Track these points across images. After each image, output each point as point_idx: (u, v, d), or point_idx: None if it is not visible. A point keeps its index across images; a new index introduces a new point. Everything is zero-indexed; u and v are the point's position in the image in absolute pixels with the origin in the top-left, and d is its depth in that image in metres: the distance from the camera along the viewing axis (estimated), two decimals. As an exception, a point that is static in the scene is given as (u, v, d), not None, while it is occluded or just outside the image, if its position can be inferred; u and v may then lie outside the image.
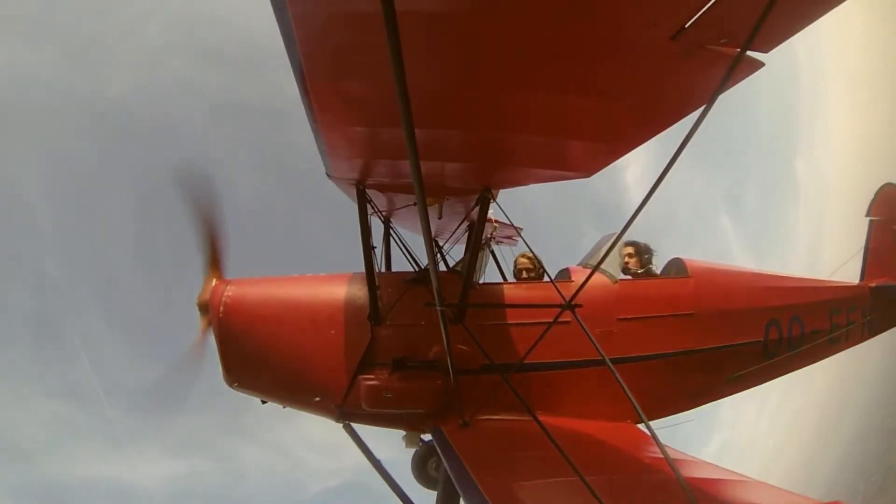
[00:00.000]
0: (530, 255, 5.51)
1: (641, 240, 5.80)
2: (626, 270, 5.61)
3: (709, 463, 4.03)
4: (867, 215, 7.31)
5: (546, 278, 5.13)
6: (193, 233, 4.67)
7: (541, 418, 3.46)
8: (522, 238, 5.67)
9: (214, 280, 4.81)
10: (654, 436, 3.28)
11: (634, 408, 3.27)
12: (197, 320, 4.80)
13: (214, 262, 4.78)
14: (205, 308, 4.74)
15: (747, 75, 2.34)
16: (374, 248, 5.25)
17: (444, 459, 3.81)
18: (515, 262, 5.72)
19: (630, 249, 5.63)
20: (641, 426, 4.48)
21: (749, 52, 2.07)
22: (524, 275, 5.57)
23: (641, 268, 5.61)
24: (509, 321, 4.73)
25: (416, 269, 4.97)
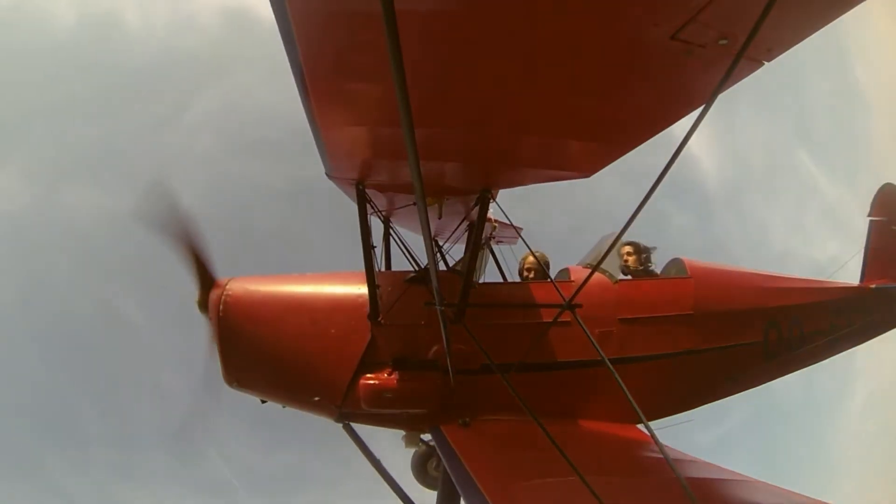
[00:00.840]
0: (538, 254, 5.52)
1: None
2: (625, 270, 5.61)
3: (709, 463, 4.03)
4: (868, 216, 7.29)
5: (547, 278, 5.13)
6: (173, 249, 4.64)
7: (541, 418, 3.46)
8: (522, 238, 5.67)
9: (214, 280, 4.81)
10: (653, 436, 3.28)
11: (634, 408, 3.27)
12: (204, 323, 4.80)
13: (201, 267, 4.76)
14: (205, 307, 4.75)
15: (747, 75, 2.34)
16: (374, 247, 5.25)
17: (443, 459, 3.81)
18: (524, 260, 5.71)
19: (629, 248, 5.63)
20: (641, 426, 4.48)
21: (752, 60, 2.08)
22: (530, 275, 5.57)
23: (640, 266, 5.61)
24: (509, 321, 4.73)
25: (416, 269, 4.96)
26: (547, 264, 5.47)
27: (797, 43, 2.16)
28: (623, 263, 5.60)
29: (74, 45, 22.39)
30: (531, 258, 5.56)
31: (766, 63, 2.28)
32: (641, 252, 5.63)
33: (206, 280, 4.77)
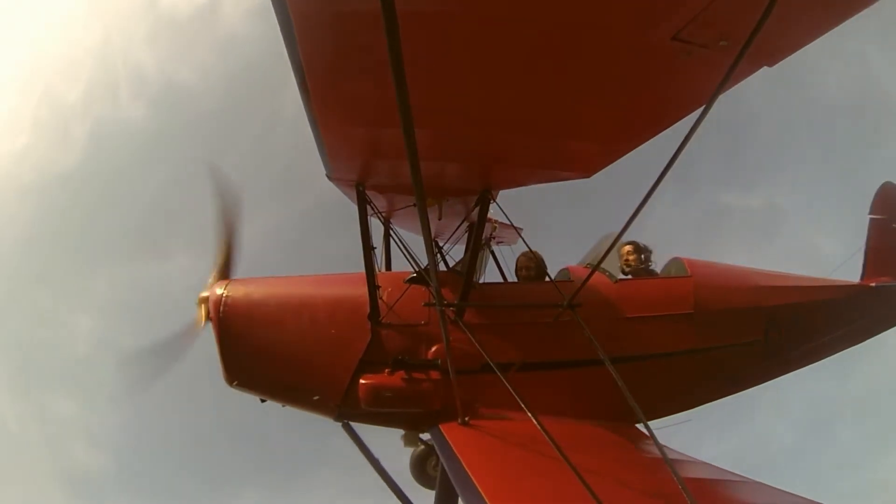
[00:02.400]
0: (531, 254, 5.52)
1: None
2: (625, 269, 5.61)
3: (708, 464, 4.03)
4: (868, 214, 7.29)
5: (546, 278, 5.13)
6: (212, 231, 4.72)
7: (540, 418, 3.46)
8: (523, 238, 5.67)
9: (217, 279, 4.83)
10: (653, 436, 3.28)
11: (634, 408, 3.27)
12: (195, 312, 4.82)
13: (225, 264, 4.79)
14: (204, 305, 4.76)
15: (747, 75, 2.34)
16: (374, 248, 5.25)
17: (443, 459, 3.81)
18: (517, 261, 5.73)
19: (629, 248, 5.63)
20: (641, 426, 4.48)
21: (752, 62, 2.08)
22: (524, 273, 5.58)
23: (641, 265, 5.60)
24: (509, 321, 4.73)
25: (416, 270, 4.97)
26: (541, 264, 5.47)
27: (800, 47, 2.16)
28: (623, 263, 5.61)
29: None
30: (523, 258, 5.58)
31: (767, 67, 2.27)
32: (641, 252, 5.64)
33: (223, 275, 4.81)
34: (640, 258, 5.62)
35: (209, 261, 4.84)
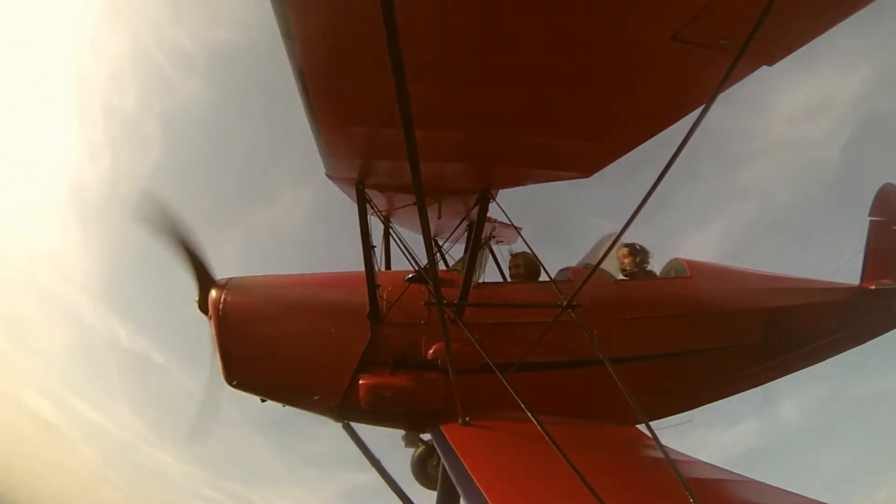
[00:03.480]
0: (521, 256, 5.54)
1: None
2: (622, 271, 5.61)
3: (709, 463, 4.03)
4: (868, 215, 7.28)
5: (542, 278, 5.12)
6: (172, 254, 4.72)
7: (540, 418, 3.46)
8: (523, 238, 5.67)
9: (212, 280, 4.83)
10: (654, 436, 3.28)
11: (634, 408, 3.26)
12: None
13: (199, 269, 4.79)
14: (205, 308, 4.76)
15: (746, 75, 2.34)
16: (373, 247, 5.25)
17: (443, 459, 3.81)
18: (509, 262, 5.76)
19: (625, 250, 5.62)
20: (641, 426, 4.48)
21: (752, 61, 2.08)
22: (513, 272, 5.60)
23: (636, 267, 5.59)
24: (509, 321, 4.73)
25: (416, 269, 4.97)
26: (532, 264, 5.47)
27: (799, 47, 2.16)
28: (620, 265, 5.60)
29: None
30: (513, 258, 5.60)
31: (766, 66, 2.27)
32: (638, 254, 5.62)
33: (205, 281, 4.79)
34: (636, 261, 5.60)
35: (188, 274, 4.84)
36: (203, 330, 4.81)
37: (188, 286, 4.82)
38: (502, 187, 4.54)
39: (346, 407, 4.59)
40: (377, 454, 4.83)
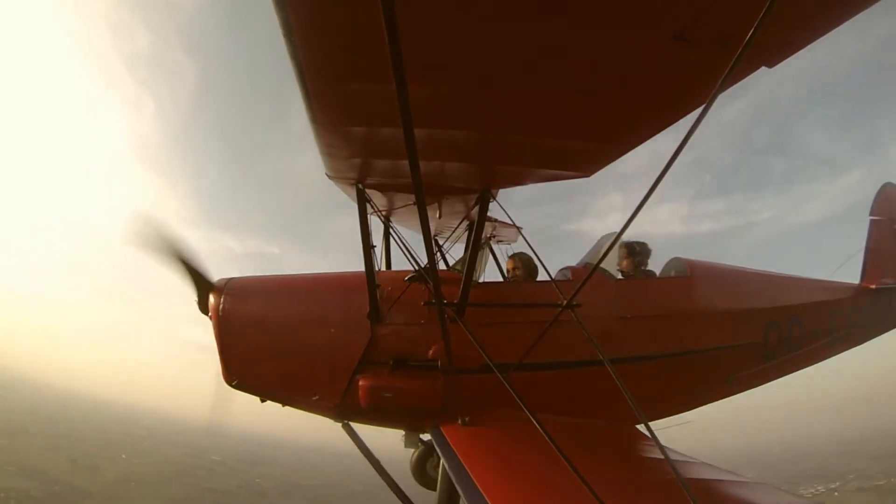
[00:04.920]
0: (517, 256, 5.54)
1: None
2: (619, 272, 5.60)
3: (708, 464, 4.03)
4: (869, 215, 7.28)
5: (545, 277, 5.11)
6: (168, 268, 4.74)
7: (540, 418, 3.46)
8: (524, 237, 5.67)
9: (210, 283, 4.83)
10: (653, 436, 3.28)
11: (634, 408, 3.26)
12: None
13: (195, 274, 4.80)
14: (205, 308, 4.76)
15: (747, 75, 2.34)
16: (373, 247, 5.25)
17: (443, 459, 3.81)
18: (506, 264, 5.77)
19: (621, 252, 5.60)
20: (641, 426, 4.48)
21: (752, 62, 2.07)
22: (511, 275, 5.59)
23: (633, 269, 5.58)
24: (509, 320, 4.72)
25: (416, 269, 4.97)
26: (528, 265, 5.47)
27: (800, 48, 2.15)
28: (617, 266, 5.59)
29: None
30: (510, 261, 5.61)
31: (766, 68, 2.27)
32: (635, 255, 5.60)
33: (202, 284, 4.80)
34: (633, 262, 5.58)
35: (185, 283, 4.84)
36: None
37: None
38: (502, 187, 4.54)
39: (345, 407, 4.59)
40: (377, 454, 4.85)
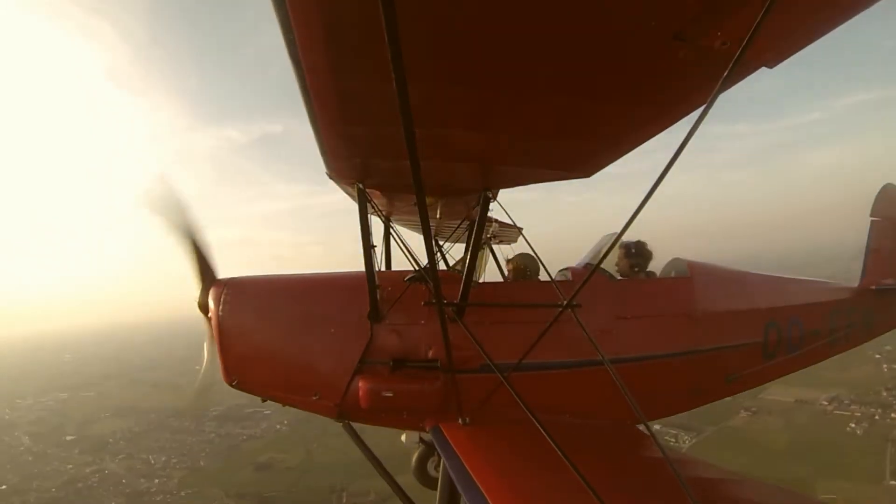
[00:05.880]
0: (516, 259, 5.54)
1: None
2: (618, 272, 5.59)
3: (708, 463, 4.03)
4: (870, 216, 7.28)
5: (545, 277, 5.12)
6: (176, 246, 4.71)
7: (540, 418, 3.46)
8: (524, 237, 5.68)
9: (215, 279, 4.82)
10: (653, 436, 3.28)
11: (634, 408, 3.27)
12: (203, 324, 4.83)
13: (204, 266, 4.78)
14: (205, 308, 4.76)
15: (747, 76, 2.34)
16: (374, 246, 5.26)
17: (444, 459, 3.81)
18: (507, 266, 5.77)
19: (619, 253, 5.56)
20: (641, 426, 4.48)
21: (752, 62, 2.07)
22: (512, 278, 5.60)
23: (630, 269, 5.55)
24: (509, 320, 4.73)
25: (416, 269, 4.97)
26: (525, 269, 5.47)
27: (800, 48, 2.15)
28: (616, 266, 5.58)
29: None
30: (510, 264, 5.61)
31: (767, 68, 2.27)
32: (631, 257, 5.55)
33: (208, 278, 4.78)
34: (630, 264, 5.55)
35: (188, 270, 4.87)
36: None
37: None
38: (503, 187, 4.54)
39: (345, 407, 4.59)
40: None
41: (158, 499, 61.45)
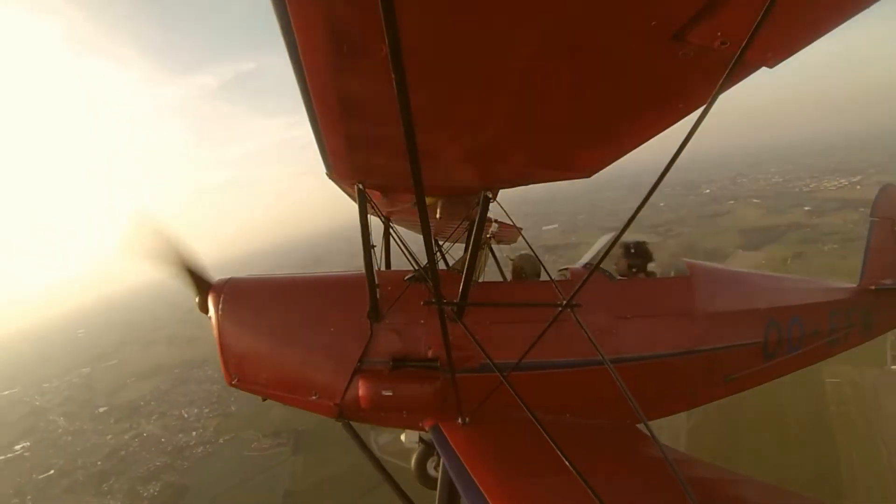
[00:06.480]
0: (518, 258, 5.54)
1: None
2: (617, 272, 5.59)
3: (708, 463, 4.04)
4: (870, 216, 7.29)
5: (545, 277, 5.12)
6: (166, 266, 4.73)
7: (540, 418, 3.46)
8: (524, 237, 5.68)
9: (209, 284, 4.84)
10: (653, 436, 3.28)
11: (634, 408, 3.27)
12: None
13: (194, 276, 4.80)
14: (205, 309, 4.77)
15: (747, 76, 2.34)
16: (373, 246, 5.26)
17: (443, 459, 3.82)
18: (510, 266, 5.77)
19: (618, 253, 5.57)
20: (641, 426, 4.48)
21: (752, 63, 2.07)
22: (516, 275, 5.60)
23: (628, 269, 5.55)
24: (508, 320, 4.73)
25: (416, 269, 4.97)
26: (524, 269, 5.47)
27: (800, 48, 2.15)
28: (615, 266, 5.58)
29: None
30: (514, 264, 5.60)
31: (767, 68, 2.27)
32: (632, 257, 5.55)
33: (202, 285, 4.81)
34: (629, 264, 5.55)
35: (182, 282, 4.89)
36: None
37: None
38: (503, 187, 4.54)
39: (345, 406, 4.60)
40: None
41: (199, 450, 62.78)
